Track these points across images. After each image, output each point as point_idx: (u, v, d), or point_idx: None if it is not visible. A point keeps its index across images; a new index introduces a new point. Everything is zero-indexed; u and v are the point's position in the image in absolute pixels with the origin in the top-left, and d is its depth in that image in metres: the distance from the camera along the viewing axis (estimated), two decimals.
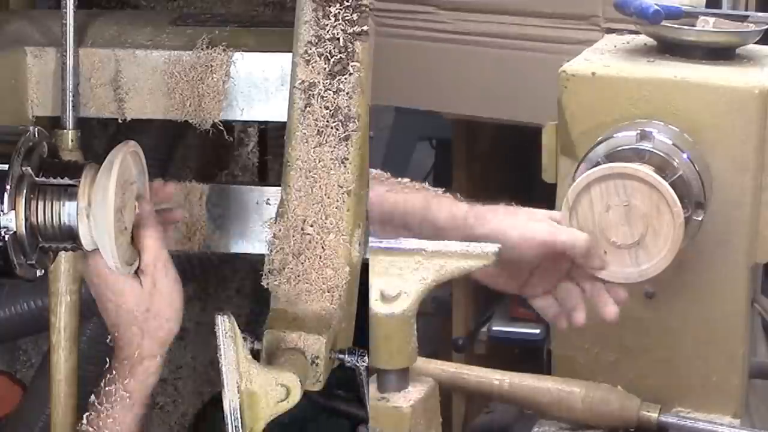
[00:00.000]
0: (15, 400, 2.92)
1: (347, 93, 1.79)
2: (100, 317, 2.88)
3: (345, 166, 1.81)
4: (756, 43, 1.81)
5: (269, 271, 1.86)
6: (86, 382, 2.90)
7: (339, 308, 1.82)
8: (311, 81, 1.80)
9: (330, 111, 1.80)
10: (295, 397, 1.67)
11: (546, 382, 1.75)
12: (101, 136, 2.87)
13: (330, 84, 1.79)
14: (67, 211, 1.59)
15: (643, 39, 1.85)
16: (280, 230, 1.84)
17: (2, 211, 1.54)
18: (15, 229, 1.55)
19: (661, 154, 1.64)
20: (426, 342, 3.23)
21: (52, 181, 1.59)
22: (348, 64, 1.78)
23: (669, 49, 1.78)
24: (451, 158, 2.98)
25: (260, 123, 2.11)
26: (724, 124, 1.69)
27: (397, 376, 1.53)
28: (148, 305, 1.68)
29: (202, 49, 2.00)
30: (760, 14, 1.85)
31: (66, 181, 1.59)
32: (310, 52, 1.79)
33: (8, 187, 1.55)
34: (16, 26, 2.12)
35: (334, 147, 1.81)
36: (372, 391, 1.54)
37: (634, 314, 1.78)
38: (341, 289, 1.83)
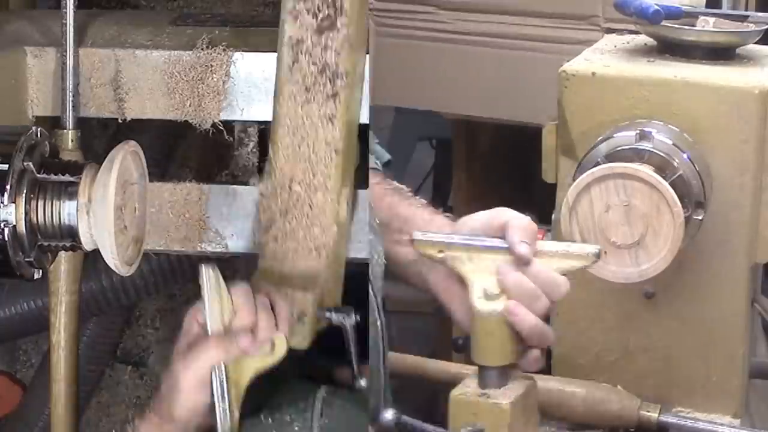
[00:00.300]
0: (15, 400, 2.92)
1: (335, 50, 1.78)
2: (99, 317, 2.88)
3: (333, 124, 1.80)
4: (756, 43, 1.81)
5: (257, 230, 1.85)
6: (86, 382, 2.91)
7: (326, 267, 1.81)
8: (299, 37, 1.78)
9: (318, 68, 1.79)
10: (281, 351, 1.66)
11: (546, 382, 1.75)
12: (101, 136, 2.87)
13: (318, 40, 1.78)
14: (67, 210, 1.59)
15: (643, 39, 1.85)
16: (267, 189, 1.83)
17: (2, 203, 1.55)
18: (14, 223, 1.55)
19: (661, 154, 1.64)
20: (426, 342, 3.24)
21: (52, 178, 1.59)
22: (336, 20, 1.76)
23: (669, 49, 1.78)
24: (451, 158, 2.99)
25: (260, 123, 2.11)
26: (724, 124, 1.69)
27: (498, 372, 1.55)
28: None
29: (202, 49, 2.00)
30: (760, 14, 1.85)
31: (67, 178, 1.59)
32: (298, 8, 1.78)
33: (9, 182, 1.55)
34: (16, 26, 2.12)
35: (322, 104, 1.79)
36: (473, 387, 1.56)
37: (634, 314, 1.78)
38: (329, 248, 1.82)
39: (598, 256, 1.54)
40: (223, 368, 1.63)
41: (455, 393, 1.55)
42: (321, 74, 1.78)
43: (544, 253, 1.55)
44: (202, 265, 1.64)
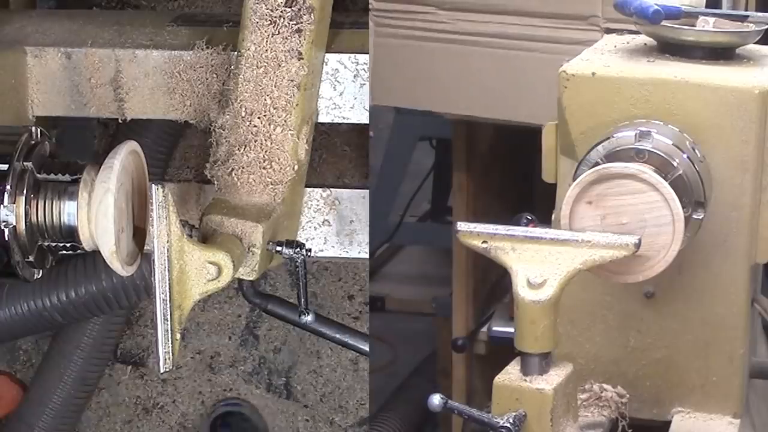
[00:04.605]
0: (15, 400, 2.92)
1: None
2: (99, 317, 2.88)
3: (297, 60, 1.80)
4: (756, 43, 1.81)
5: (214, 162, 1.86)
6: (86, 382, 2.91)
7: (282, 203, 1.81)
8: None
9: (285, 1, 1.79)
10: (227, 277, 1.65)
11: None
12: (101, 136, 2.88)
13: None
14: (67, 210, 1.59)
15: (643, 39, 1.85)
16: (226, 121, 1.83)
17: (2, 203, 1.55)
18: (14, 223, 1.55)
19: (661, 154, 1.64)
20: (426, 342, 3.23)
21: (52, 178, 1.59)
22: None
23: (669, 49, 1.78)
24: (451, 158, 2.98)
25: None
26: (724, 124, 1.69)
27: (541, 359, 1.59)
28: None
29: (202, 49, 2.00)
30: (760, 14, 1.84)
31: (67, 178, 1.59)
32: None
33: (9, 183, 1.55)
34: (16, 26, 2.12)
35: (287, 38, 1.80)
36: (515, 373, 1.60)
37: (634, 314, 1.78)
38: (285, 184, 1.82)
39: (637, 245, 1.56)
40: (167, 288, 1.61)
41: (498, 379, 1.59)
42: (288, 7, 1.78)
43: (584, 243, 1.57)
44: (152, 184, 1.61)
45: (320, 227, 2.06)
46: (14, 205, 1.56)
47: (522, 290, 1.56)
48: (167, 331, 1.60)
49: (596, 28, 2.38)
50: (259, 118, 1.82)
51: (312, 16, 1.79)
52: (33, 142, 1.61)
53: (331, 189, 2.06)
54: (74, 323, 2.77)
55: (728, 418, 1.77)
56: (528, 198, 2.96)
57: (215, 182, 1.85)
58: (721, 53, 1.77)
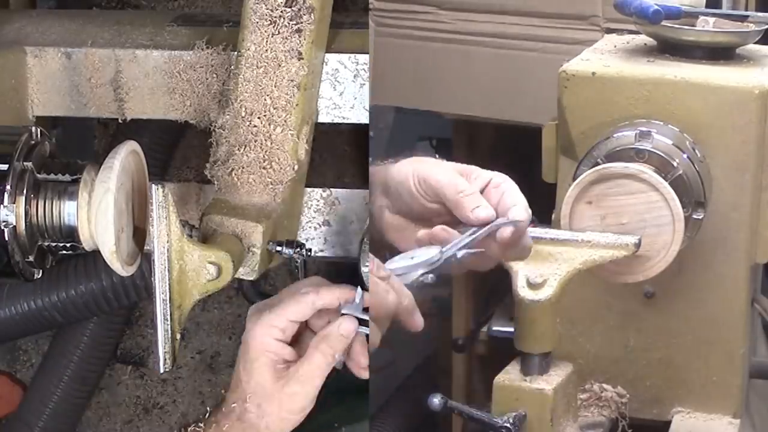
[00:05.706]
0: (15, 400, 2.92)
1: None
2: (99, 317, 2.88)
3: (297, 60, 1.80)
4: (756, 43, 1.81)
5: (214, 162, 1.86)
6: (86, 382, 2.91)
7: (282, 203, 1.82)
8: None
9: (285, 1, 1.80)
10: (227, 276, 1.65)
11: None
12: (101, 136, 2.88)
13: None
14: (67, 210, 1.59)
15: (643, 39, 1.85)
16: (226, 121, 1.84)
17: (2, 203, 1.55)
18: (14, 223, 1.55)
19: (661, 154, 1.65)
20: (426, 342, 3.24)
21: (52, 178, 1.59)
22: None
23: (669, 49, 1.78)
24: (451, 158, 2.98)
25: None
26: (724, 124, 1.69)
27: (540, 359, 1.59)
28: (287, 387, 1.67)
29: (202, 49, 2.00)
30: (760, 14, 1.84)
31: (67, 178, 1.60)
32: None
33: (9, 183, 1.55)
34: (16, 26, 2.12)
35: (287, 38, 1.80)
36: (515, 373, 1.60)
37: (634, 314, 1.78)
38: (285, 184, 1.83)
39: (637, 245, 1.56)
40: (167, 288, 1.61)
41: (498, 379, 1.59)
42: (288, 7, 1.79)
43: (584, 243, 1.57)
44: (152, 184, 1.61)
45: (320, 227, 2.06)
46: (14, 205, 1.56)
47: (522, 290, 1.56)
48: (167, 331, 1.60)
49: (596, 28, 2.38)
50: (259, 118, 1.82)
51: (312, 16, 1.79)
52: (33, 142, 1.61)
53: (331, 189, 2.06)
54: (74, 323, 2.77)
55: (728, 418, 1.78)
56: (528, 198, 2.95)
57: (215, 182, 1.85)
58: (721, 53, 1.77)
